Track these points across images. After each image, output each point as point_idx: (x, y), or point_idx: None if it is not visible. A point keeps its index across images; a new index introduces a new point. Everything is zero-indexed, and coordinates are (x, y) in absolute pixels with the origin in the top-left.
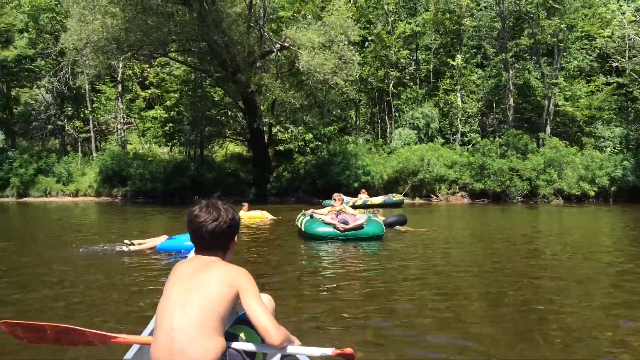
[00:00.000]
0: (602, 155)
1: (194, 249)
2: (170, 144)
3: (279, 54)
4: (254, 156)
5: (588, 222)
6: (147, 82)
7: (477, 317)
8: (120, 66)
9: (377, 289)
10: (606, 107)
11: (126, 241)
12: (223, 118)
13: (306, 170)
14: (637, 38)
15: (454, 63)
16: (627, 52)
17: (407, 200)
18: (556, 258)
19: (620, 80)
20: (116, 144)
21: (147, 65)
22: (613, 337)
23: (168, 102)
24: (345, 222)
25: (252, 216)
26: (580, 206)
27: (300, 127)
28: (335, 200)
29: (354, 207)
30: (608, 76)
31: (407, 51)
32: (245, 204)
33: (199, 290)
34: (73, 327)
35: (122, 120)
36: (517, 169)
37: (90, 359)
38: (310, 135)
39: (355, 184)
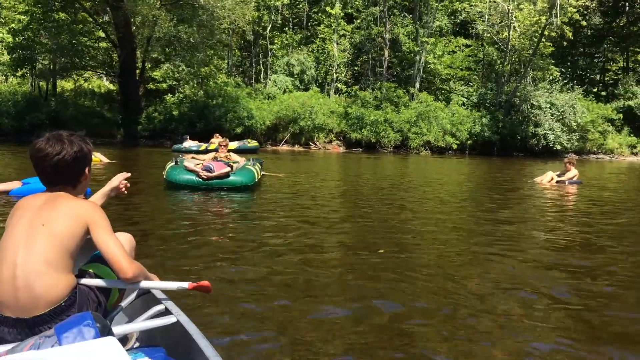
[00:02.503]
0: (465, 111)
1: None
2: (18, 73)
3: None
4: (122, 94)
5: (451, 171)
6: None
7: (331, 266)
8: None
9: (233, 241)
10: (464, 67)
11: None
12: (85, 49)
13: (182, 113)
14: (503, 3)
15: (333, 12)
16: (486, 18)
17: (286, 147)
18: (416, 204)
19: (471, 43)
20: None
21: None
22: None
23: (14, 25)
24: (210, 170)
25: None
26: (443, 157)
27: (182, 66)
28: (220, 146)
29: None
30: (465, 39)
31: None
32: None
33: (44, 226)
34: None
35: None
36: (391, 120)
37: None
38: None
39: (239, 129)
